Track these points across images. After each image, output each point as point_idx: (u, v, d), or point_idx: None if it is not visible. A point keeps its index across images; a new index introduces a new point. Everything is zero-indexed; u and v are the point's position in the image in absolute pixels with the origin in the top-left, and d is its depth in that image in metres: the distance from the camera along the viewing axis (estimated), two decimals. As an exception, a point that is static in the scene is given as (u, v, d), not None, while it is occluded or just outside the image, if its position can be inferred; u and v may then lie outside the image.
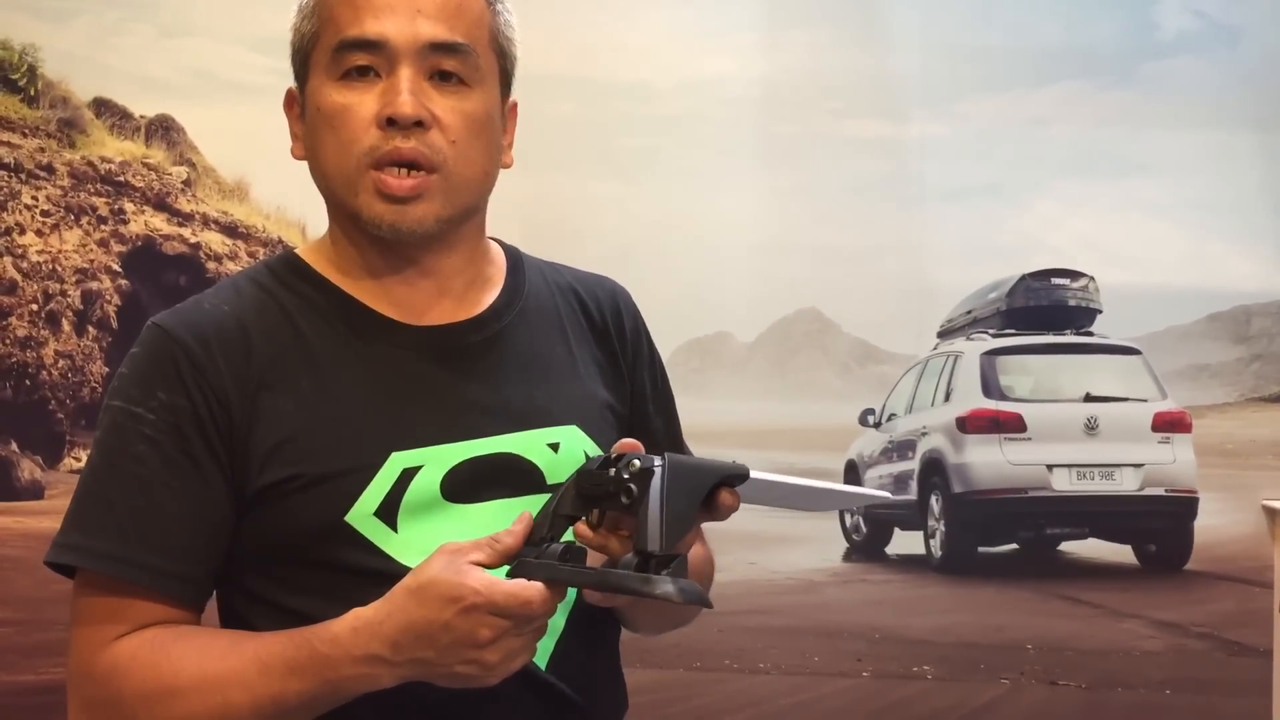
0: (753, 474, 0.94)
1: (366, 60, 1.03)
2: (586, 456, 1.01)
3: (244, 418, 1.01)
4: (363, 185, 1.03)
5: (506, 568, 0.96)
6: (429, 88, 1.03)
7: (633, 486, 0.93)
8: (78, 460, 6.12)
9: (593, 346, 1.17)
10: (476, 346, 1.09)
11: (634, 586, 0.91)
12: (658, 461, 0.93)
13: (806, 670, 4.46)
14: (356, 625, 0.94)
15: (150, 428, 1.00)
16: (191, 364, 1.01)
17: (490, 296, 1.12)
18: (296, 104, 1.09)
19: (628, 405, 1.18)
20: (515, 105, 1.12)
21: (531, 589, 0.92)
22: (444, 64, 1.03)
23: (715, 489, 0.94)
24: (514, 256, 1.17)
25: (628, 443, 0.99)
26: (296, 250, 1.12)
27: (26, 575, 4.80)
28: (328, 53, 1.04)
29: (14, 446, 5.93)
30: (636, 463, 0.93)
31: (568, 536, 0.98)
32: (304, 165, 1.09)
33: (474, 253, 1.12)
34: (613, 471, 0.94)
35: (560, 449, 1.08)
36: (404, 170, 1.02)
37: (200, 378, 1.01)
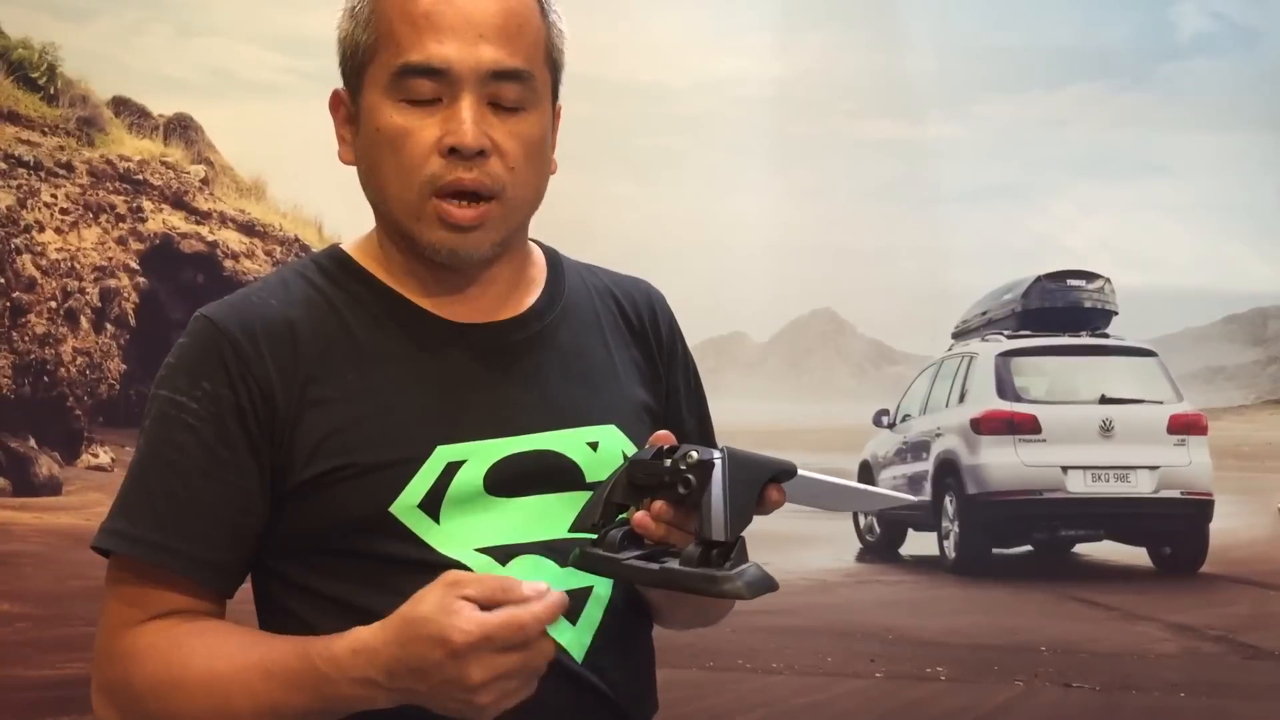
0: (799, 472, 0.95)
1: (428, 85, 1.03)
2: (624, 456, 1.02)
3: (289, 411, 1.03)
4: (424, 213, 1.04)
5: (541, 577, 0.96)
6: (488, 113, 1.04)
7: (691, 477, 0.93)
8: (95, 456, 6.15)
9: (631, 348, 1.19)
10: (519, 345, 1.11)
11: (701, 587, 0.91)
12: (716, 454, 0.93)
13: (820, 671, 4.46)
14: (355, 647, 0.94)
15: (193, 416, 1.03)
16: (237, 355, 1.03)
17: (532, 297, 1.14)
18: (345, 107, 1.10)
19: (664, 406, 1.19)
20: (560, 110, 1.13)
21: (525, 614, 0.90)
22: (504, 90, 1.04)
23: (764, 484, 0.95)
24: (553, 258, 1.19)
25: (663, 435, 1.00)
26: (343, 246, 1.14)
27: (44, 571, 4.83)
28: (387, 72, 1.04)
29: (32, 443, 5.96)
30: (694, 454, 0.94)
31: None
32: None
33: (518, 259, 1.14)
34: (668, 462, 0.95)
35: (599, 448, 1.09)
36: (466, 201, 1.04)
37: (245, 369, 1.03)
